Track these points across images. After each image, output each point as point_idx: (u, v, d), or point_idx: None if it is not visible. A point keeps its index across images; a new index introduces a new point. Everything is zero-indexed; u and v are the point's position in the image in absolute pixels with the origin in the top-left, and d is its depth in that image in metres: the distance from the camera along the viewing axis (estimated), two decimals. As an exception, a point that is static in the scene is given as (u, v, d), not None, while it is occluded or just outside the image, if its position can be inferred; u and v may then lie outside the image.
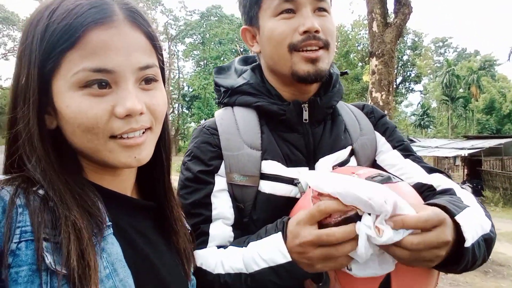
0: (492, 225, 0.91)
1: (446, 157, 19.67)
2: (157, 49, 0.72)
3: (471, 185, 17.37)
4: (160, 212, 0.82)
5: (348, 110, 1.20)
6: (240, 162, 1.02)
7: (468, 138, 22.16)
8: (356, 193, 0.72)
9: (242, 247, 0.91)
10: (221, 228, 1.00)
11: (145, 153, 0.70)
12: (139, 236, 0.73)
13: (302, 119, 1.07)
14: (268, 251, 0.84)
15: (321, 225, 0.79)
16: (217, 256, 0.93)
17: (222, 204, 1.01)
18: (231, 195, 1.03)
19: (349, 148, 1.11)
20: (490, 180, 17.26)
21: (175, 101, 40.55)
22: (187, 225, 0.91)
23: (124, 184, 0.77)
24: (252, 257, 0.86)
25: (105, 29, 0.63)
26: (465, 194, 0.99)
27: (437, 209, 0.78)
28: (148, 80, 0.69)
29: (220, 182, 1.03)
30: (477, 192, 17.12)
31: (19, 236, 0.55)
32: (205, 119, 1.21)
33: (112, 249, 0.65)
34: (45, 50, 0.61)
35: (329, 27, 1.02)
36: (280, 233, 0.84)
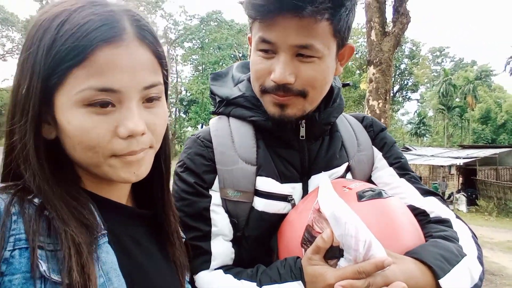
0: (482, 266, 0.89)
1: (442, 166, 19.73)
2: (163, 66, 0.72)
3: (465, 194, 17.43)
4: (156, 221, 0.82)
5: (346, 124, 1.16)
6: (234, 178, 0.99)
7: (464, 147, 22.29)
8: (346, 235, 0.75)
9: (254, 282, 0.89)
10: (222, 246, 0.98)
11: (144, 168, 0.70)
12: (134, 244, 0.73)
13: (298, 136, 1.03)
14: None
15: (312, 236, 0.82)
16: (226, 285, 0.91)
17: (221, 220, 0.98)
18: (225, 210, 1.00)
19: (345, 165, 1.08)
20: (484, 189, 17.34)
21: (172, 105, 40.53)
22: (182, 234, 0.91)
23: (120, 193, 0.77)
24: None
25: (114, 48, 0.62)
26: (460, 226, 0.96)
27: (408, 268, 0.77)
28: (151, 99, 0.68)
29: (216, 196, 1.00)
30: (471, 201, 17.18)
31: (13, 244, 0.55)
32: (202, 124, 1.18)
33: (107, 258, 0.64)
34: (51, 64, 0.60)
35: (310, 75, 0.91)
36: (300, 282, 0.82)
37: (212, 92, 1.16)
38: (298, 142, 1.04)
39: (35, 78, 0.61)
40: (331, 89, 1.05)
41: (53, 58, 0.60)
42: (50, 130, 0.66)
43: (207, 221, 0.98)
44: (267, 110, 0.98)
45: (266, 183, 0.99)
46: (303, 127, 1.03)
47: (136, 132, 0.64)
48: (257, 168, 1.00)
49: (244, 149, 1.01)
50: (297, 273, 0.83)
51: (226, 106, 1.09)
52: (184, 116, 44.61)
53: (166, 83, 0.74)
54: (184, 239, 0.91)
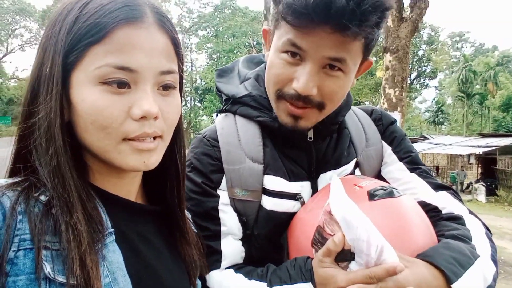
0: (496, 266, 0.87)
1: (460, 155, 19.38)
2: (180, 57, 0.72)
3: (484, 184, 17.09)
4: (167, 218, 0.81)
5: (355, 118, 1.14)
6: (242, 177, 0.98)
7: (483, 136, 21.76)
8: (357, 240, 0.74)
9: (264, 282, 0.88)
10: (232, 245, 0.98)
11: (154, 159, 0.68)
12: (143, 242, 0.73)
13: (306, 137, 1.02)
14: None
15: (322, 237, 0.81)
16: (237, 284, 0.91)
17: (230, 220, 0.98)
18: (234, 209, 1.00)
19: (353, 162, 1.07)
20: (504, 179, 16.96)
21: (187, 94, 40.74)
22: (194, 229, 0.90)
23: (128, 188, 0.76)
24: None
25: (134, 28, 0.63)
26: (473, 223, 0.93)
27: (421, 272, 0.76)
28: (167, 87, 0.68)
29: (224, 196, 0.99)
30: (490, 191, 16.85)
31: (18, 244, 0.54)
32: (217, 113, 1.17)
33: (113, 257, 0.64)
34: (72, 41, 0.61)
35: (332, 89, 0.88)
36: (310, 284, 0.82)
37: (218, 89, 1.15)
38: (306, 142, 1.02)
39: (57, 56, 0.61)
40: None
41: (74, 35, 0.61)
42: (65, 113, 0.65)
43: (216, 220, 0.98)
44: (279, 118, 0.95)
45: (274, 182, 0.98)
46: (310, 129, 1.01)
47: (150, 114, 0.63)
48: (264, 167, 0.99)
49: (251, 148, 1.00)
50: (307, 275, 0.82)
51: (232, 104, 1.08)
52: (199, 105, 44.81)
53: (181, 77, 0.74)
54: (196, 233, 0.90)
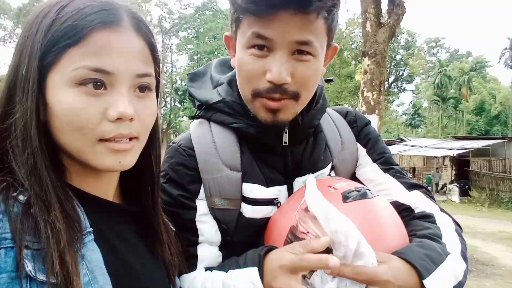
0: (466, 262, 0.89)
1: (435, 157, 19.89)
2: (156, 60, 0.73)
3: (458, 185, 17.60)
4: (144, 217, 0.82)
5: (330, 122, 1.14)
6: (220, 186, 0.96)
7: (457, 138, 22.43)
8: (336, 232, 0.75)
9: (224, 271, 0.90)
10: (208, 249, 0.98)
11: (129, 159, 0.69)
12: (121, 242, 0.73)
13: (281, 141, 1.00)
14: (244, 285, 0.83)
15: (295, 237, 0.81)
16: (203, 279, 0.92)
17: (207, 229, 0.97)
18: (213, 217, 0.99)
19: (329, 165, 1.07)
20: (477, 180, 17.52)
21: (167, 95, 40.30)
22: (172, 227, 0.91)
23: (106, 188, 0.76)
24: (229, 286, 0.86)
25: (111, 32, 0.64)
26: (444, 221, 0.96)
27: (396, 267, 0.77)
28: (143, 88, 0.69)
29: (202, 206, 0.98)
30: (464, 192, 17.36)
31: None
32: (189, 118, 1.14)
33: (92, 256, 0.64)
34: (48, 43, 0.62)
35: (305, 74, 0.88)
36: (256, 269, 0.82)
37: (190, 94, 1.12)
38: (281, 147, 1.01)
39: (33, 57, 0.62)
40: None
41: (51, 37, 0.62)
42: (41, 114, 0.65)
43: (194, 231, 0.97)
44: (258, 116, 0.93)
45: (252, 190, 0.98)
46: (286, 133, 1.00)
47: (125, 116, 0.64)
48: (242, 175, 0.98)
49: (228, 156, 0.99)
50: (255, 260, 0.84)
51: (206, 110, 1.06)
52: (179, 106, 44.39)
53: (157, 80, 0.75)
54: (174, 231, 0.91)
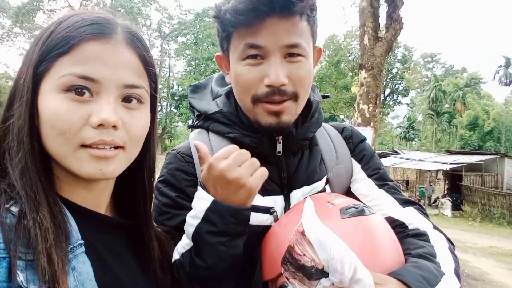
0: (459, 281, 0.89)
1: (429, 170, 19.99)
2: (150, 75, 0.75)
3: (451, 199, 17.70)
4: (136, 232, 0.82)
5: (326, 136, 1.17)
6: None
7: (451, 153, 22.59)
8: (331, 259, 0.75)
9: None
10: None
11: (112, 168, 0.69)
12: (111, 255, 0.73)
13: (275, 151, 1.03)
14: (195, 206, 0.85)
15: (292, 257, 0.81)
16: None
17: None
18: None
19: (324, 178, 1.09)
20: (469, 195, 17.63)
21: (163, 99, 40.31)
22: (164, 235, 0.91)
23: (97, 200, 0.76)
24: (188, 222, 0.86)
25: (101, 43, 0.67)
26: (437, 238, 0.97)
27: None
28: (130, 98, 0.70)
29: None
30: (456, 206, 17.46)
31: None
32: (192, 120, 1.18)
33: (83, 268, 0.64)
34: (42, 53, 0.66)
35: (300, 74, 0.93)
36: (199, 187, 0.86)
37: (191, 105, 1.16)
38: (276, 157, 1.04)
39: (30, 66, 0.66)
40: (310, 103, 1.06)
41: (45, 48, 0.66)
42: (36, 120, 0.68)
43: None
44: (261, 122, 0.96)
45: None
46: (280, 143, 1.03)
47: (107, 122, 0.65)
48: None
49: None
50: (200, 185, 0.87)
51: (204, 120, 1.10)
52: (175, 111, 44.37)
53: (154, 96, 0.77)
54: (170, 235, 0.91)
